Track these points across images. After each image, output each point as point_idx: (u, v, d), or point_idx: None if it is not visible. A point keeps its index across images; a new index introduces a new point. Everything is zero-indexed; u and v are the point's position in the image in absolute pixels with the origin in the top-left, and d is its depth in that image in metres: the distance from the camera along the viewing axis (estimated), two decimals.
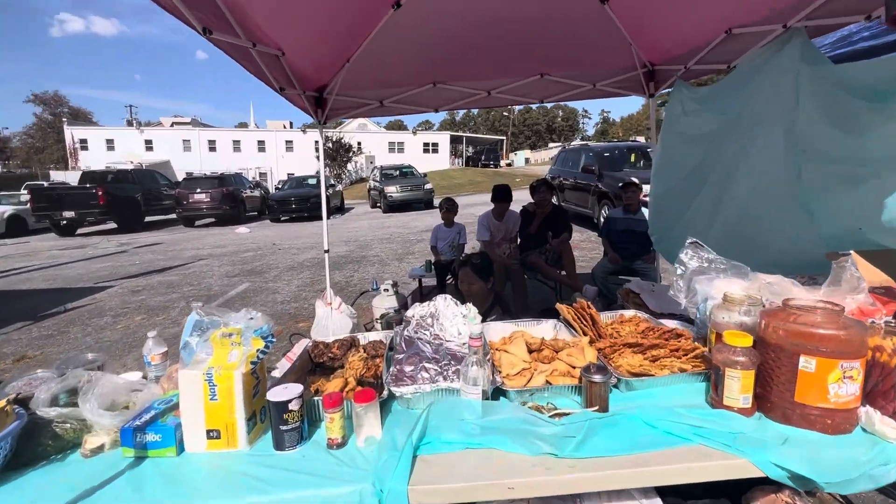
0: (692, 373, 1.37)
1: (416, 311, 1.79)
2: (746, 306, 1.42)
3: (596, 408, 1.21)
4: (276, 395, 1.18)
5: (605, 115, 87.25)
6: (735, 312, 1.43)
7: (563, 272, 4.37)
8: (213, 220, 16.08)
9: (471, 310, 1.76)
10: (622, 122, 74.70)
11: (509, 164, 42.94)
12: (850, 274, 1.43)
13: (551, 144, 65.59)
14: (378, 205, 17.38)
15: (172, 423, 1.19)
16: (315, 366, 1.69)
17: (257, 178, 28.08)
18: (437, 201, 17.68)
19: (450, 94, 3.66)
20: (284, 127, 41.24)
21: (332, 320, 3.68)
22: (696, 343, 1.50)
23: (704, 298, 1.63)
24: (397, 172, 18.27)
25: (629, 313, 1.92)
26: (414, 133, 40.90)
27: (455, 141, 44.56)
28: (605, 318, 1.86)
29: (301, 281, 6.73)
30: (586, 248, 7.55)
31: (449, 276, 4.69)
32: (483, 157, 41.68)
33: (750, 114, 2.31)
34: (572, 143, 12.57)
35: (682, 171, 2.88)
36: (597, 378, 1.24)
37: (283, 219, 15.65)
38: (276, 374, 1.99)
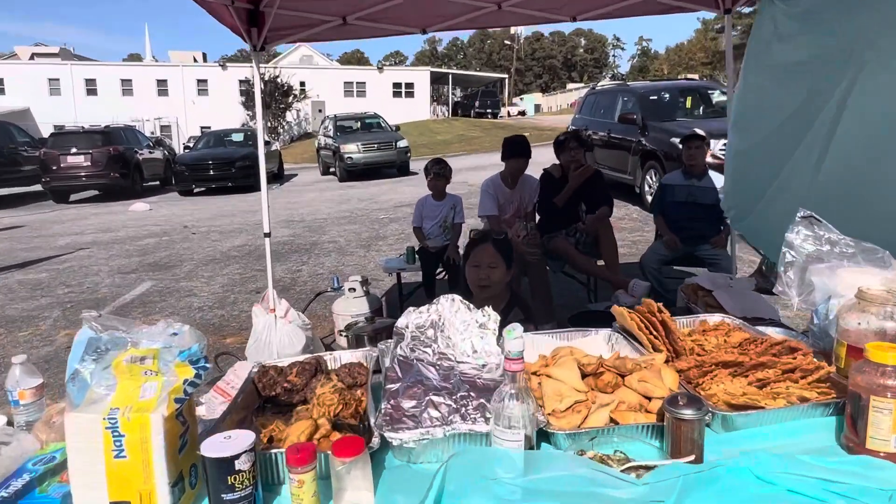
0: (818, 402, 1.33)
1: (410, 319, 1.71)
2: (891, 306, 1.37)
3: (689, 458, 1.16)
4: (214, 448, 1.09)
5: (645, 44, 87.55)
6: (874, 316, 1.38)
7: (601, 262, 4.34)
8: (96, 192, 15.70)
9: (491, 316, 1.69)
10: (668, 55, 75.08)
11: (522, 113, 42.60)
12: None
13: (570, 86, 65.71)
14: (332, 170, 17.19)
15: (57, 493, 1.10)
16: (265, 401, 1.61)
17: (158, 134, 27.52)
18: (415, 165, 17.57)
19: (444, 7, 3.55)
20: (195, 60, 40.37)
21: (276, 333, 3.60)
22: (818, 360, 1.46)
23: (826, 296, 1.59)
24: (358, 125, 18.06)
25: (714, 319, 1.87)
26: (380, 69, 40.49)
27: (437, 80, 44.29)
28: (680, 325, 1.81)
29: (227, 278, 6.60)
30: (627, 227, 7.57)
31: (441, 269, 4.62)
32: (477, 104, 41.46)
33: (873, 35, 2.26)
34: (602, 84, 12.53)
35: (774, 119, 2.84)
36: (687, 414, 1.18)
37: (196, 191, 15.37)
38: (204, 413, 1.90)
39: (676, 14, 3.81)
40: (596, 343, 1.81)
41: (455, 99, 47.78)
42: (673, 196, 4.48)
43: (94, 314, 1.18)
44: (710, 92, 10.08)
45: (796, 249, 1.67)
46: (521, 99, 50.37)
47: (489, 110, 40.48)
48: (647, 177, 8.54)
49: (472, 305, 1.74)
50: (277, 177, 17.57)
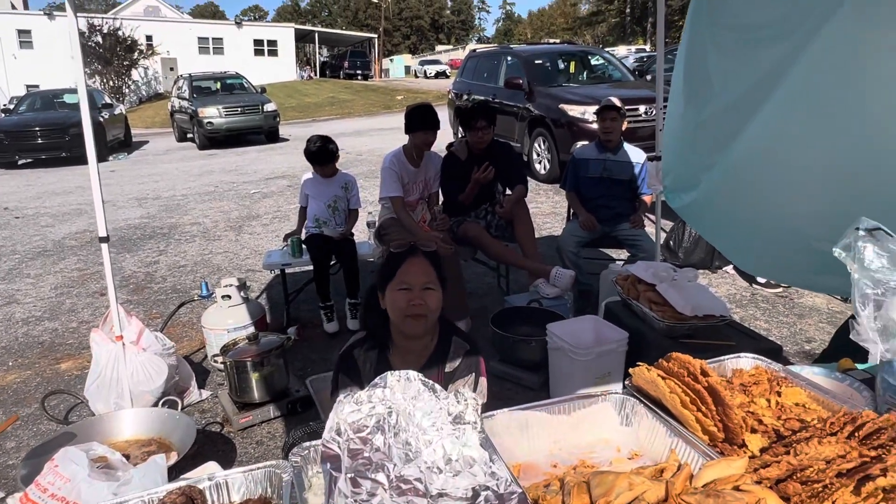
0: None
1: (342, 416, 1.06)
2: None
3: None
4: None
5: (509, 8, 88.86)
6: None
7: (515, 246, 3.86)
8: None
9: (468, 402, 1.11)
10: (530, 20, 76.75)
11: (429, 75, 40.47)
12: None
13: (439, 47, 65.13)
14: (190, 136, 15.33)
15: None
16: None
17: None
18: (285, 130, 16.16)
19: None
20: (13, 7, 34.45)
21: (126, 366, 2.74)
22: None
23: None
24: (218, 86, 16.21)
25: (745, 364, 1.40)
26: (238, 24, 37.12)
27: (302, 39, 41.65)
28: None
29: (61, 277, 5.35)
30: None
31: (335, 261, 3.91)
32: (346, 65, 39.61)
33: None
34: (480, 48, 12.06)
35: (731, 91, 2.44)
36: None
37: (21, 162, 12.97)
38: None
39: None
40: (604, 415, 1.28)
41: (321, 58, 45.36)
42: (587, 171, 4.09)
43: None
44: (589, 57, 9.96)
45: (872, 276, 1.23)
46: (390, 60, 48.80)
47: (359, 71, 38.85)
48: (536, 144, 8.25)
49: (437, 386, 1.12)
50: (124, 144, 15.36)
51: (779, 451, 1.08)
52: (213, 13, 69.55)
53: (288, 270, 4.10)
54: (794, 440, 1.09)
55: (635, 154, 4.03)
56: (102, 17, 28.52)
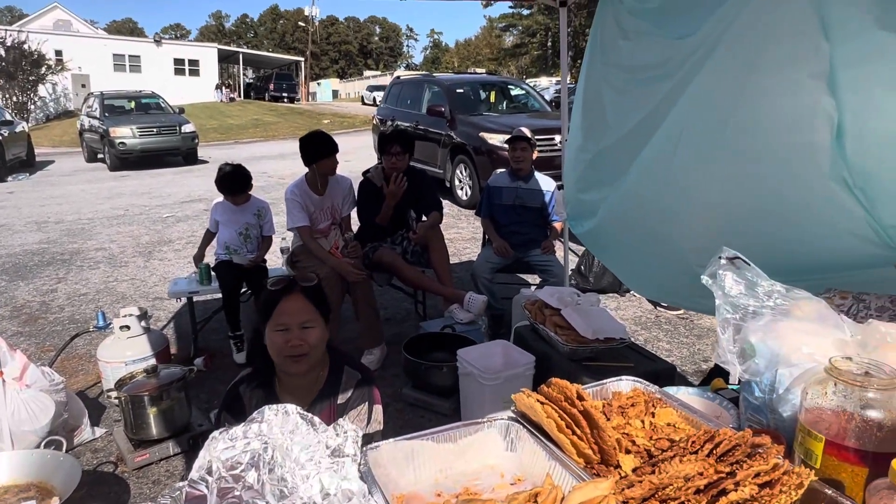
0: None
1: (213, 455, 1.03)
2: (876, 389, 1.06)
3: None
4: None
5: (436, 37, 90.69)
6: (858, 400, 1.06)
7: (431, 272, 3.89)
8: None
9: (349, 434, 1.10)
10: (457, 49, 78.46)
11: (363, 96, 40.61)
12: None
13: (367, 72, 65.34)
14: (101, 157, 14.55)
15: None
16: None
17: None
18: (204, 152, 15.65)
19: None
20: None
21: (7, 405, 2.53)
22: (785, 461, 1.09)
23: (771, 363, 1.26)
24: (132, 104, 15.54)
25: (624, 387, 1.46)
26: (157, 42, 35.86)
27: (226, 59, 40.73)
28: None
29: None
30: (442, 226, 7.27)
31: (245, 289, 3.80)
32: (272, 87, 38.99)
33: (736, 40, 2.08)
34: (404, 74, 12.23)
35: (625, 123, 2.59)
36: None
37: None
38: None
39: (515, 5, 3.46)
40: (490, 441, 1.30)
41: (247, 80, 44.48)
42: (500, 199, 4.19)
43: None
44: (510, 87, 10.29)
45: (731, 302, 1.32)
46: (318, 83, 48.48)
47: (286, 94, 38.33)
48: (458, 171, 8.38)
49: (315, 419, 1.11)
50: (26, 164, 14.37)
51: (645, 471, 1.13)
52: (131, 30, 67.02)
53: (197, 298, 3.94)
54: (661, 459, 1.15)
55: (545, 182, 4.18)
56: (6, 30, 26.80)
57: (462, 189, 8.35)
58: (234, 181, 3.72)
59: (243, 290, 3.81)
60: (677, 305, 4.02)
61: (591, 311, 2.89)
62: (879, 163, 1.84)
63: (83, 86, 29.89)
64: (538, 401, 1.24)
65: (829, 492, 1.04)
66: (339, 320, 3.55)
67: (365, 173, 4.00)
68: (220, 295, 3.74)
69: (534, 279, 4.51)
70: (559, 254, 4.17)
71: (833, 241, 2.02)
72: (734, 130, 2.16)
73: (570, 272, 4.86)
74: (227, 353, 3.78)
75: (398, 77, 11.46)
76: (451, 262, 4.09)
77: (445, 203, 8.35)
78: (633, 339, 3.21)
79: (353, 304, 3.63)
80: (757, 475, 1.05)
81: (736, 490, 1.03)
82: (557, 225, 4.15)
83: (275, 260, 4.56)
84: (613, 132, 2.64)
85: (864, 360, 1.12)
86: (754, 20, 2.01)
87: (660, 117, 2.41)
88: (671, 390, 1.50)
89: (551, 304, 2.96)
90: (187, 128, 14.34)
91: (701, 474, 1.07)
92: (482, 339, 3.48)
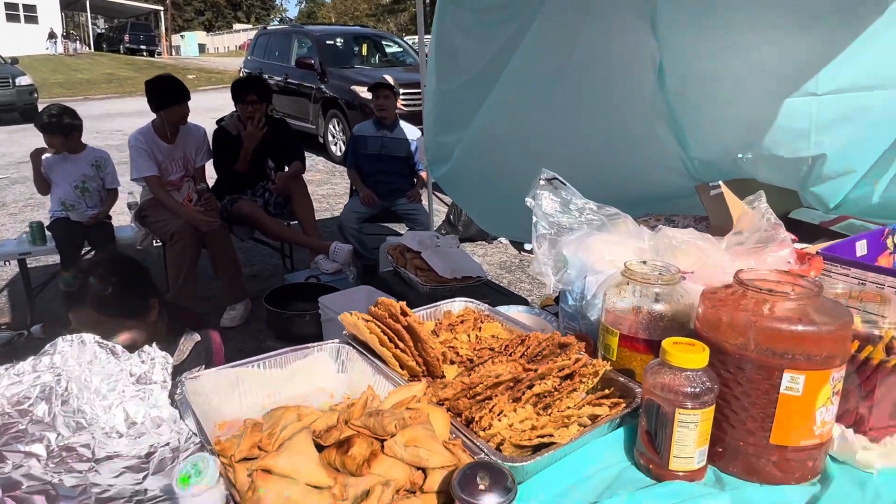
0: (610, 419, 1.06)
1: None
2: (661, 285, 1.17)
3: None
4: None
5: None
6: (647, 297, 1.17)
7: (296, 224, 3.79)
8: None
9: (157, 360, 1.06)
10: (334, 4, 75.32)
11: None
12: (759, 214, 1.35)
13: (237, 26, 61.06)
14: None
15: None
16: None
17: None
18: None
19: None
20: None
21: None
22: (584, 355, 1.19)
23: (581, 272, 1.36)
24: None
25: (456, 306, 1.52)
26: None
27: (70, 6, 36.23)
28: (422, 318, 1.40)
29: None
30: (314, 180, 7.09)
31: (88, 248, 3.49)
32: (127, 38, 35.34)
33: None
34: (273, 25, 11.60)
35: (471, 67, 2.64)
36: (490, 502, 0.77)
37: None
38: None
39: None
40: (322, 364, 1.30)
41: (97, 30, 40.01)
42: (366, 148, 4.14)
43: None
44: (383, 42, 10.08)
45: (547, 219, 1.40)
46: (181, 36, 44.57)
47: (143, 46, 34.94)
48: (331, 126, 8.15)
49: (117, 347, 1.04)
50: None
51: (464, 375, 1.19)
52: None
53: (31, 262, 3.56)
54: (477, 363, 1.21)
55: (410, 131, 4.18)
56: None
57: (336, 144, 8.14)
58: (60, 120, 3.34)
59: (86, 249, 3.49)
60: (522, 241, 4.25)
61: (450, 252, 2.96)
62: (690, 99, 2.01)
63: None
64: (363, 318, 1.25)
65: (622, 379, 1.16)
66: (195, 279, 3.37)
67: (219, 122, 3.77)
68: (60, 260, 3.41)
69: (401, 228, 4.54)
70: (425, 202, 4.22)
71: (655, 175, 2.21)
72: (575, 69, 2.27)
73: (441, 222, 4.95)
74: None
75: (265, 27, 10.81)
76: (325, 217, 4.01)
77: (319, 159, 8.16)
78: (497, 283, 3.34)
79: (210, 260, 3.46)
80: (561, 370, 1.15)
81: (540, 384, 1.12)
82: (423, 174, 4.18)
83: (124, 219, 4.22)
84: (463, 74, 2.68)
85: (657, 263, 1.23)
86: None
87: (506, 57, 2.47)
88: (503, 309, 1.57)
89: (412, 247, 3.00)
90: (23, 80, 12.67)
91: (516, 377, 1.15)
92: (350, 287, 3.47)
